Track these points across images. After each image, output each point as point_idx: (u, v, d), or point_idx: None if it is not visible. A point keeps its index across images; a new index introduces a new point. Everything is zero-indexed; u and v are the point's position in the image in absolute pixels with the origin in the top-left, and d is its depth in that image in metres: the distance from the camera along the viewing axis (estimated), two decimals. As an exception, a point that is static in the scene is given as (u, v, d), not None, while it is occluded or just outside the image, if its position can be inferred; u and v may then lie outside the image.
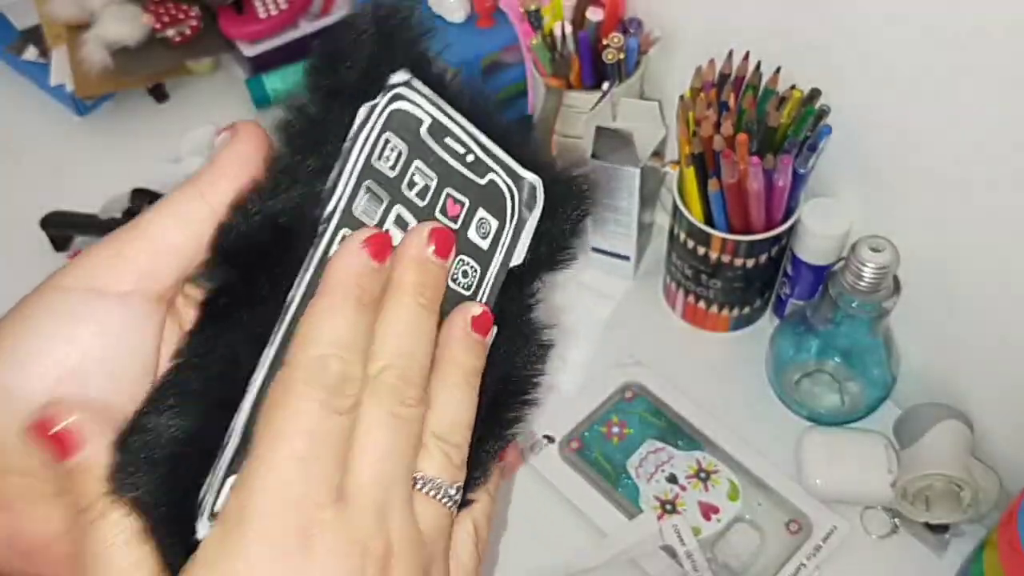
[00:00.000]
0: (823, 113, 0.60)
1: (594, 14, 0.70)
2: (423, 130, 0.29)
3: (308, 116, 0.28)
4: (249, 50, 0.92)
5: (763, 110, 0.61)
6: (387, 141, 0.29)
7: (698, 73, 0.64)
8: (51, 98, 0.94)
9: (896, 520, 0.62)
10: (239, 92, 0.95)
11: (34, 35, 0.97)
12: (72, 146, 0.92)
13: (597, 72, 0.73)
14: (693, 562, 0.59)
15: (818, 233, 0.63)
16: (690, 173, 0.63)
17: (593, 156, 0.67)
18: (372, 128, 0.28)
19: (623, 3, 0.73)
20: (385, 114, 0.29)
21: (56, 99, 0.94)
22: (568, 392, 0.69)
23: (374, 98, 0.29)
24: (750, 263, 0.66)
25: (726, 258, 0.65)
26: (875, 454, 0.63)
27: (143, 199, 0.77)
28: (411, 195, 0.29)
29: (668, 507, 0.62)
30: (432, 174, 0.30)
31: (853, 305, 0.58)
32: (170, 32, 0.91)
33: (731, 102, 0.61)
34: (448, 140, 0.30)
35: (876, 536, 0.62)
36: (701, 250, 0.66)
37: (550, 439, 0.66)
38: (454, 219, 0.30)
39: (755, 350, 0.71)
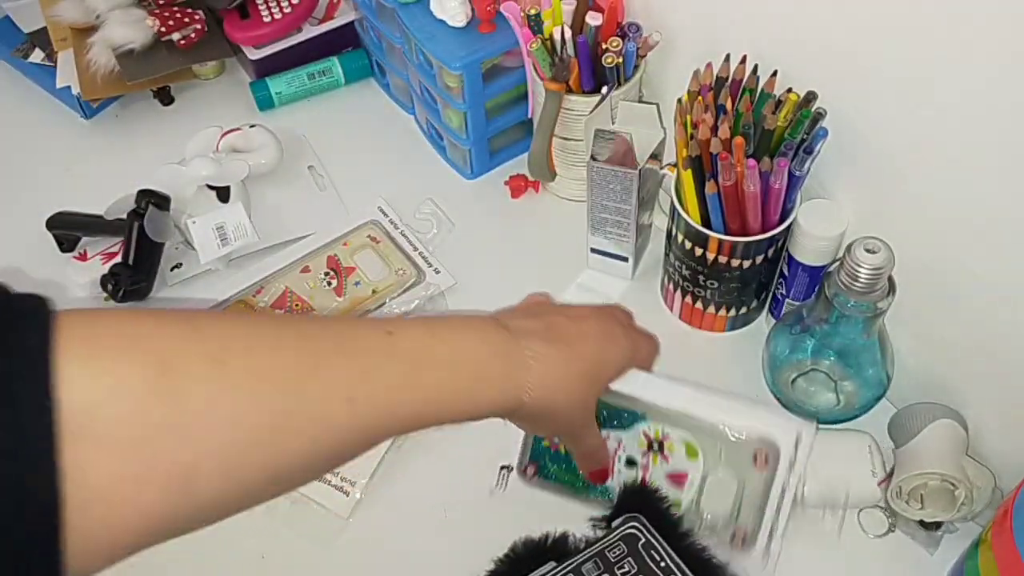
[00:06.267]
0: (819, 116, 0.61)
1: (593, 19, 0.71)
2: (640, 544, 0.53)
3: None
4: (254, 54, 0.93)
5: (760, 113, 0.61)
6: (619, 542, 0.54)
7: (695, 76, 0.65)
8: (57, 101, 0.95)
9: (892, 520, 0.63)
10: (244, 96, 0.96)
11: (40, 38, 0.98)
12: (78, 148, 0.93)
13: (596, 76, 0.73)
14: None
15: (814, 234, 0.64)
16: (687, 175, 0.63)
17: (592, 158, 0.68)
18: (614, 535, 0.54)
19: (622, 8, 0.74)
20: (622, 530, 0.55)
21: (62, 102, 0.95)
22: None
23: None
24: (747, 264, 0.66)
25: (723, 259, 0.66)
26: (859, 454, 0.63)
27: (148, 200, 0.78)
28: (619, 573, 0.52)
29: None
30: (636, 566, 0.53)
31: (848, 305, 0.59)
32: (175, 36, 0.92)
33: (728, 105, 0.62)
34: (653, 553, 0.53)
35: (873, 535, 0.63)
36: (698, 251, 0.66)
37: (508, 468, 0.64)
38: None
39: (751, 350, 0.72)
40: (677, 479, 0.60)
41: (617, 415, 0.60)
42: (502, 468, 0.64)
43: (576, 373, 0.48)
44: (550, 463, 0.63)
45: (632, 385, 0.56)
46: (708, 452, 0.59)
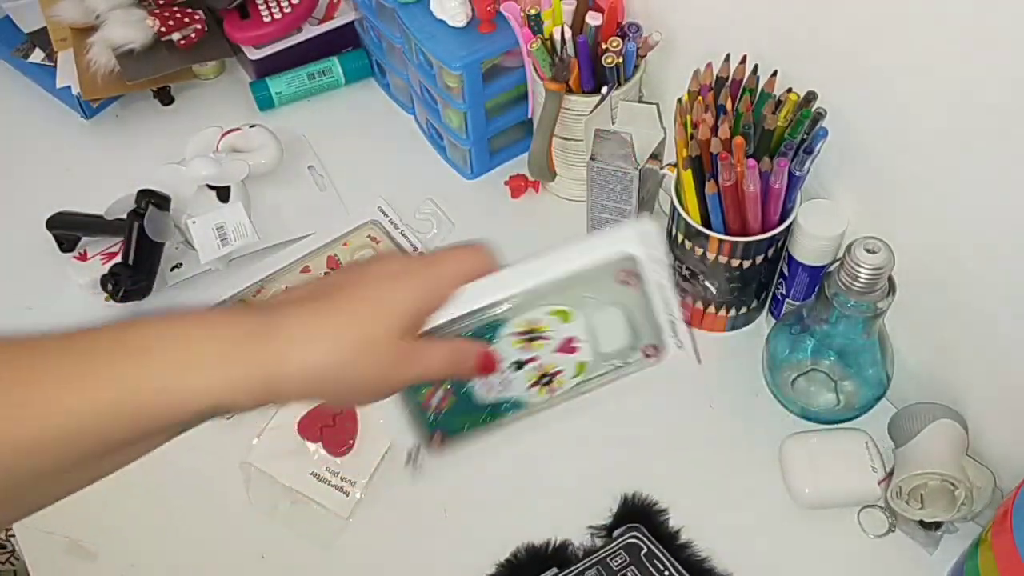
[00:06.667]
0: (819, 116, 0.61)
1: (593, 19, 0.71)
2: (642, 554, 0.59)
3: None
4: (254, 54, 0.93)
5: (760, 113, 0.61)
6: (621, 551, 0.59)
7: (695, 76, 0.65)
8: (57, 101, 0.95)
9: (892, 520, 0.63)
10: (244, 95, 0.96)
11: (40, 38, 0.98)
12: (78, 148, 0.93)
13: (596, 76, 0.73)
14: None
15: (814, 234, 0.64)
16: (687, 175, 0.63)
17: (592, 158, 0.68)
18: (616, 544, 0.60)
19: (622, 8, 0.74)
20: (624, 539, 0.60)
21: (62, 102, 0.95)
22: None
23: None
24: (747, 264, 0.66)
25: (723, 259, 0.66)
26: (857, 453, 0.63)
27: (148, 200, 0.78)
28: None
29: (545, 380, 0.55)
30: (639, 575, 0.58)
31: (848, 305, 0.59)
32: (175, 36, 0.92)
33: (728, 105, 0.62)
34: (656, 563, 0.59)
35: (873, 535, 0.63)
36: (698, 251, 0.67)
37: (415, 448, 0.57)
38: None
39: (752, 350, 0.72)
40: (567, 348, 0.55)
41: (477, 334, 0.54)
42: (410, 452, 0.56)
43: (347, 322, 0.44)
44: (446, 421, 0.56)
45: (472, 299, 0.51)
46: (577, 305, 0.54)
